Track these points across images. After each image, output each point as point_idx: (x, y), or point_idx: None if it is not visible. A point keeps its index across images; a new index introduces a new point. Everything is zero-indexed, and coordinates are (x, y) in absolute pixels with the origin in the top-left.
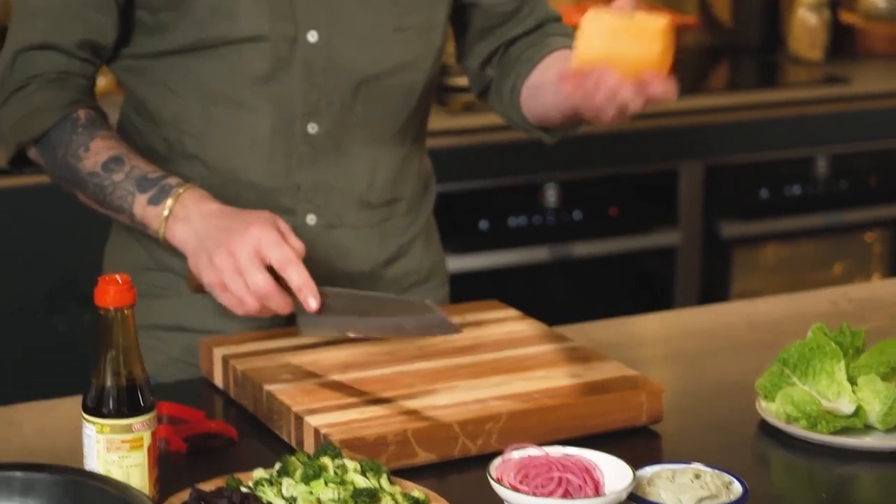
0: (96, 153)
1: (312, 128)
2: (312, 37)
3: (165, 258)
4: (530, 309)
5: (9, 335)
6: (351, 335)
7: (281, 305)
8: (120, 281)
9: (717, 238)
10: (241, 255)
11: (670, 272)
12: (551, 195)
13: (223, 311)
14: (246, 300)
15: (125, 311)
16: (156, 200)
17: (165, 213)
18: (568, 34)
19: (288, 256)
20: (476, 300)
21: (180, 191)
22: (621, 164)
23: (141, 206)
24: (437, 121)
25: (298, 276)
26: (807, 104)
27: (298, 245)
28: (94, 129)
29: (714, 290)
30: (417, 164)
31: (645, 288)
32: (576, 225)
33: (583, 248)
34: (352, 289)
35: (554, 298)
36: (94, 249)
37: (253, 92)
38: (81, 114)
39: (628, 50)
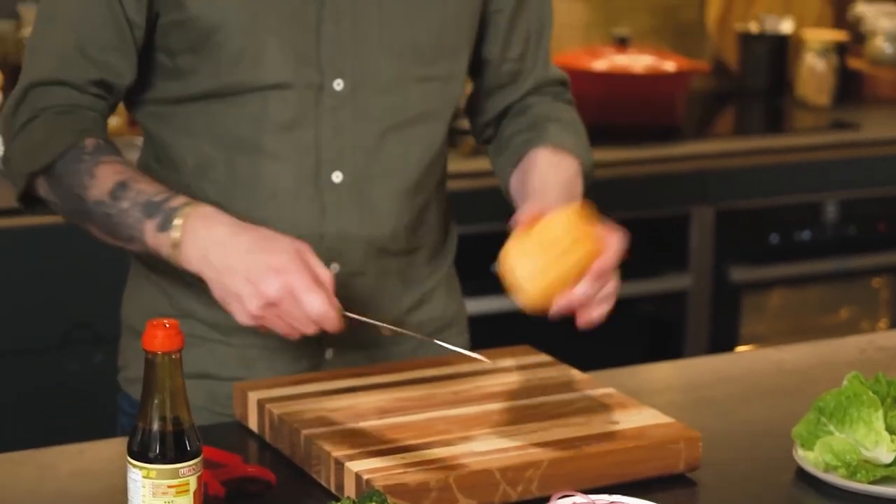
0: (102, 181)
1: (337, 176)
2: (338, 85)
3: (186, 304)
4: (543, 350)
5: (21, 375)
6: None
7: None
8: (168, 325)
9: (726, 282)
10: (288, 308)
11: (680, 316)
12: None
13: (247, 359)
14: (287, 334)
15: (173, 356)
16: (163, 227)
17: (174, 241)
18: (563, 105)
19: (334, 325)
20: (495, 344)
21: (187, 210)
22: (632, 208)
23: (151, 235)
24: (450, 163)
25: (335, 328)
26: (815, 150)
27: (327, 276)
28: (99, 155)
29: (723, 333)
30: (438, 212)
31: (655, 331)
32: None
33: None
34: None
35: (566, 340)
36: (107, 289)
37: (277, 139)
38: (89, 142)
39: (564, 265)
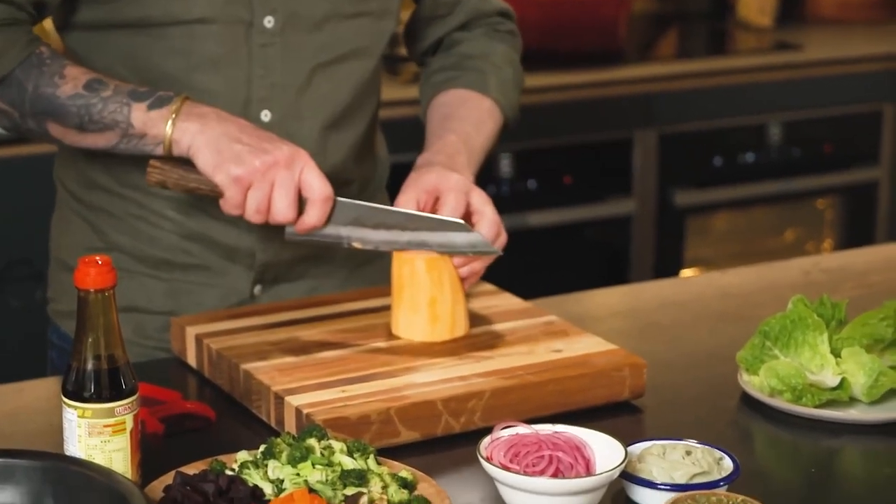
0: (74, 78)
1: (266, 115)
2: (269, 22)
3: (114, 237)
4: (485, 279)
5: None
6: (357, 246)
7: (283, 222)
8: (100, 262)
9: (670, 206)
10: (284, 170)
11: (625, 241)
12: (506, 165)
13: (175, 292)
14: (257, 211)
15: (106, 293)
16: (158, 105)
17: (173, 112)
18: (496, 42)
19: (325, 195)
20: None
21: (183, 96)
22: (575, 133)
23: (141, 112)
24: (388, 91)
25: (319, 216)
26: (758, 71)
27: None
28: (61, 59)
29: (668, 257)
30: (369, 145)
31: (600, 257)
32: (531, 194)
33: (537, 218)
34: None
35: (509, 268)
36: (47, 224)
37: (205, 77)
38: (44, 49)
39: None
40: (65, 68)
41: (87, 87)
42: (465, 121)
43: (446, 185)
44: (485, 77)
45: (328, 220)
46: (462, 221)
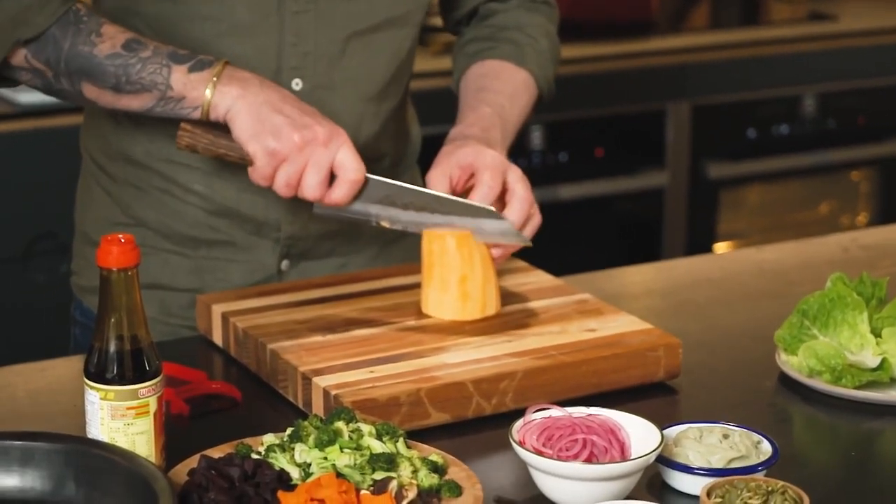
0: (111, 37)
1: (297, 84)
2: None
3: (139, 212)
4: (516, 254)
5: None
6: (385, 225)
7: (312, 199)
8: (123, 240)
9: (703, 179)
10: (320, 148)
11: (657, 213)
12: (537, 137)
13: (199, 269)
14: (286, 185)
15: (129, 272)
16: (199, 67)
17: (215, 76)
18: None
19: (357, 177)
20: None
21: (224, 61)
22: (607, 105)
23: (181, 74)
24: (418, 62)
25: (347, 195)
26: (792, 42)
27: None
28: (98, 17)
29: (700, 230)
30: (402, 119)
31: (632, 229)
32: (562, 167)
33: (569, 191)
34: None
35: (540, 241)
36: (72, 200)
37: (233, 43)
38: (80, 6)
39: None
40: (102, 26)
41: (126, 46)
42: (500, 93)
43: (482, 162)
44: (521, 48)
45: (357, 197)
46: (492, 208)
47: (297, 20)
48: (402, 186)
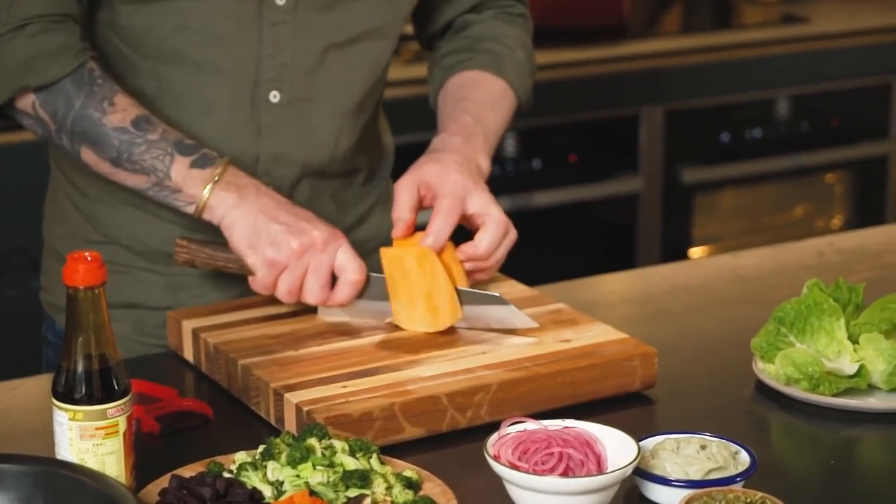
0: (123, 109)
1: (275, 96)
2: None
3: (110, 229)
4: None
5: None
6: (388, 322)
7: (314, 304)
8: (90, 258)
9: (678, 183)
10: (319, 254)
11: (632, 219)
12: (510, 144)
13: (173, 286)
14: (288, 293)
15: (96, 290)
16: (201, 164)
17: (216, 176)
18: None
19: (358, 277)
20: None
21: (227, 160)
22: (580, 110)
23: (182, 167)
24: (390, 71)
25: (349, 295)
26: (765, 45)
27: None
28: (113, 84)
29: (675, 235)
30: (376, 132)
31: (606, 235)
32: (535, 174)
33: (543, 197)
34: None
35: (515, 248)
36: (43, 214)
37: (211, 53)
38: (95, 65)
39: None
40: (116, 95)
41: (135, 123)
42: (481, 102)
43: (443, 188)
44: (499, 59)
45: (361, 295)
46: (497, 294)
47: (275, 31)
48: None
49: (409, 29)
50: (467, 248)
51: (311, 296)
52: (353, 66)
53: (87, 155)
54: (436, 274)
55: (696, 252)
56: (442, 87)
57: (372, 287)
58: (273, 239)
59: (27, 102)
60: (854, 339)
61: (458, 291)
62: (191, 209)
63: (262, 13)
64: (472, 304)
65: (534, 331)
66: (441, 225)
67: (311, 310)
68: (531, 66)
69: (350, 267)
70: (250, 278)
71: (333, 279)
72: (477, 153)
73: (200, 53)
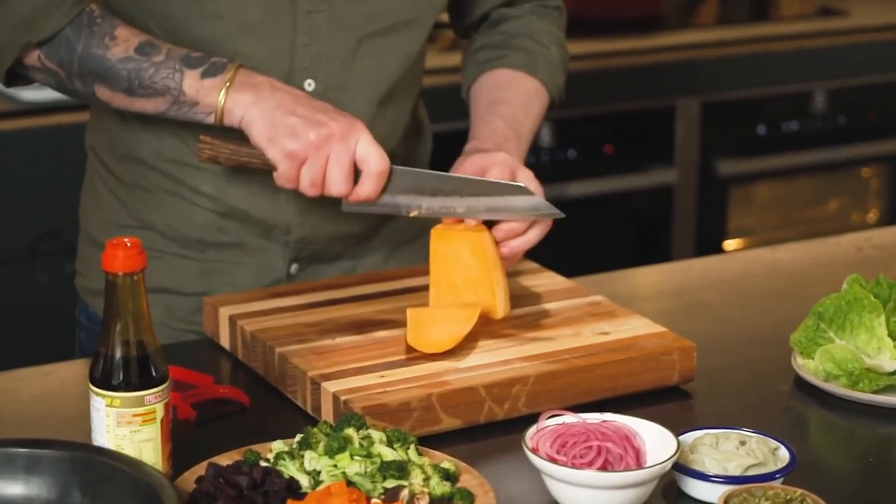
0: (125, 40)
1: (309, 85)
2: None
3: (145, 214)
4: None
5: None
6: (413, 214)
7: (338, 195)
8: (129, 244)
9: (713, 175)
10: (339, 143)
11: (666, 210)
12: (545, 134)
13: (206, 273)
14: (311, 185)
15: (135, 277)
16: (211, 73)
17: (227, 81)
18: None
19: (381, 168)
20: None
21: (237, 64)
22: (616, 101)
23: (193, 80)
24: (426, 59)
25: (373, 188)
26: (802, 38)
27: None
28: (113, 19)
29: (710, 227)
30: (412, 119)
31: (641, 226)
32: (570, 164)
33: (577, 188)
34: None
35: (549, 238)
36: (77, 199)
37: (244, 42)
38: (94, 7)
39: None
40: (116, 29)
41: (139, 50)
42: (513, 105)
43: (492, 160)
44: (533, 57)
45: (385, 190)
46: (521, 184)
47: (309, 20)
48: (428, 173)
49: (445, 16)
50: (501, 224)
51: (335, 187)
52: (386, 56)
53: (102, 92)
54: (483, 263)
55: (730, 245)
56: (475, 82)
57: (396, 180)
58: (291, 130)
59: (33, 57)
60: (894, 337)
61: (480, 182)
62: (211, 119)
63: (296, 2)
64: (496, 195)
65: (572, 322)
66: (497, 177)
67: (349, 299)
68: (564, 62)
69: (372, 158)
70: (275, 175)
71: (357, 173)
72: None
73: (235, 42)
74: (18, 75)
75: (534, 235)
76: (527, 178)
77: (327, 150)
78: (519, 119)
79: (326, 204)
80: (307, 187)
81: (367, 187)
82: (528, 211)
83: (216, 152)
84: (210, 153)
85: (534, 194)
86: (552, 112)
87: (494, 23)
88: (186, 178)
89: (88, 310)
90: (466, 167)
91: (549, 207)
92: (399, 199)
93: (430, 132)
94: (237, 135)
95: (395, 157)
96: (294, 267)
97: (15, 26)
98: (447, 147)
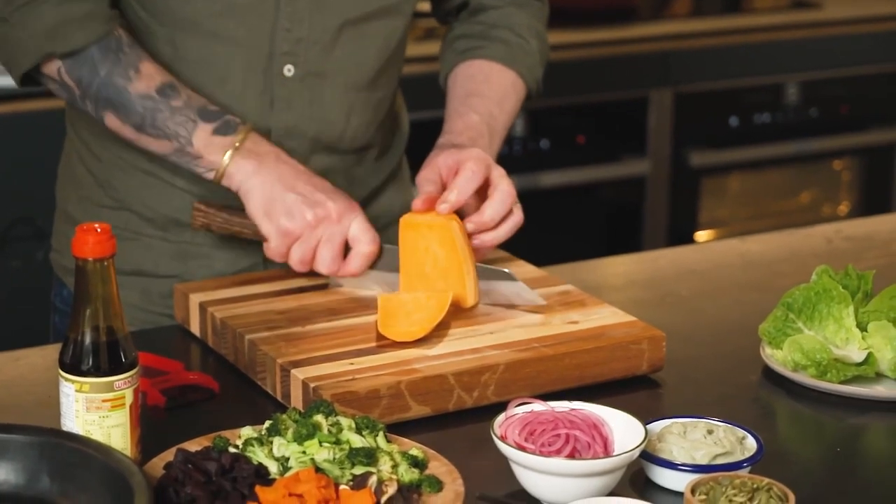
0: (149, 76)
1: (289, 70)
2: None
3: (123, 195)
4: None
5: None
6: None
7: (326, 274)
8: (99, 230)
9: (685, 166)
10: (333, 225)
11: (639, 201)
12: (518, 124)
13: (182, 255)
14: (301, 262)
15: (105, 262)
16: (223, 131)
17: (237, 143)
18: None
19: (371, 249)
20: None
21: (249, 127)
22: (589, 92)
23: (205, 134)
24: None
25: (361, 266)
26: (776, 30)
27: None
28: (140, 52)
29: (682, 218)
30: (390, 108)
31: (613, 217)
32: (543, 154)
33: (550, 178)
34: None
35: (522, 229)
36: (50, 182)
37: (227, 23)
38: (122, 33)
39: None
40: (141, 62)
41: (160, 90)
42: (489, 98)
43: (466, 155)
44: (511, 49)
45: (373, 266)
46: (507, 270)
47: (292, 4)
48: None
49: (421, 6)
50: (473, 217)
51: (323, 266)
52: (367, 42)
53: (111, 120)
54: (452, 252)
55: (701, 236)
56: (452, 73)
57: (384, 258)
58: (288, 209)
59: (53, 68)
60: (862, 327)
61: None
62: (210, 175)
63: None
64: (481, 279)
65: (541, 310)
66: (465, 181)
67: (319, 286)
68: (543, 55)
69: (364, 238)
70: (264, 245)
71: (347, 249)
72: (483, 150)
73: (215, 23)
74: (31, 78)
75: (505, 230)
76: (500, 174)
77: (321, 231)
78: (494, 114)
79: None
80: (296, 263)
81: (355, 265)
82: (512, 297)
83: (209, 220)
84: (203, 221)
85: (518, 281)
86: (525, 102)
87: (474, 11)
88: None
89: (63, 292)
90: (440, 162)
91: (532, 293)
92: (386, 276)
93: (407, 121)
94: (223, 197)
95: (370, 146)
96: None
97: (40, 33)
98: (423, 136)
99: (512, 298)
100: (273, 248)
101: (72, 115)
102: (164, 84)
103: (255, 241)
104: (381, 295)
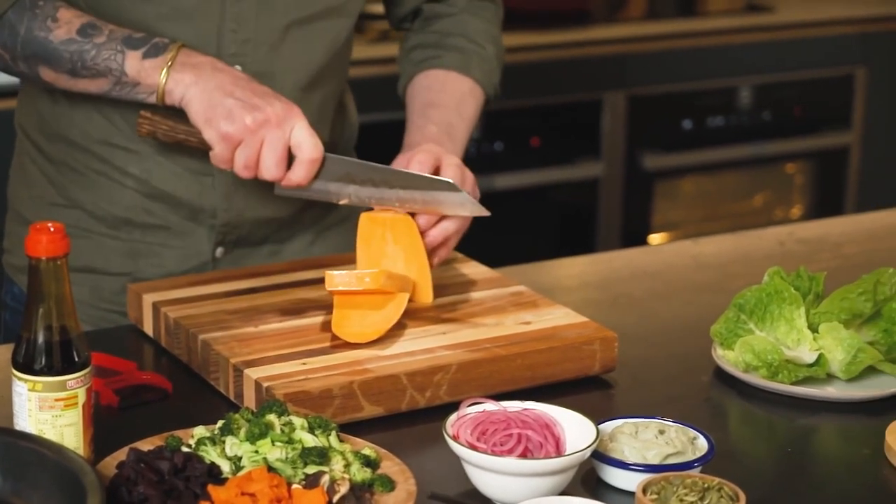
0: (67, 22)
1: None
2: None
3: (74, 193)
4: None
5: None
6: (343, 202)
7: (270, 179)
8: (52, 229)
9: (639, 169)
10: (274, 129)
11: (592, 203)
12: None
13: (132, 253)
14: (245, 167)
15: (58, 261)
16: (153, 53)
17: (169, 61)
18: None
19: (315, 156)
20: None
21: (179, 44)
22: (543, 94)
23: (135, 61)
24: (354, 50)
25: (306, 175)
26: (729, 33)
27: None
28: (55, 2)
29: (636, 221)
30: (338, 106)
31: (567, 219)
32: (497, 156)
33: (504, 180)
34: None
35: (475, 231)
36: (1, 180)
37: (173, 27)
38: None
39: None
40: (58, 11)
41: (81, 31)
42: (446, 107)
43: (417, 150)
44: (467, 57)
45: (317, 176)
46: (450, 180)
47: (237, 6)
48: (360, 163)
49: (376, 8)
50: (421, 217)
51: (267, 171)
52: (313, 42)
53: (46, 73)
54: (407, 251)
55: (655, 238)
56: (409, 82)
57: (329, 168)
58: (228, 113)
59: None
60: (814, 328)
61: (409, 175)
62: (153, 98)
63: None
64: (424, 190)
65: (494, 311)
66: (421, 160)
67: (272, 287)
68: (500, 59)
69: (306, 144)
70: (210, 153)
71: (291, 158)
72: None
73: (163, 26)
74: None
75: (449, 224)
76: (452, 165)
77: (262, 134)
78: (453, 122)
79: (252, 188)
80: (241, 169)
81: (300, 173)
82: (455, 206)
83: (155, 127)
84: (149, 128)
85: (462, 191)
86: (483, 107)
87: (428, 20)
88: (114, 159)
89: (14, 290)
90: (394, 162)
91: (476, 206)
92: (330, 186)
93: (357, 120)
94: (179, 113)
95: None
96: (220, 250)
97: None
98: (375, 137)
99: (456, 209)
100: (217, 155)
101: (21, 118)
102: (83, 24)
103: (205, 237)
104: (336, 295)
